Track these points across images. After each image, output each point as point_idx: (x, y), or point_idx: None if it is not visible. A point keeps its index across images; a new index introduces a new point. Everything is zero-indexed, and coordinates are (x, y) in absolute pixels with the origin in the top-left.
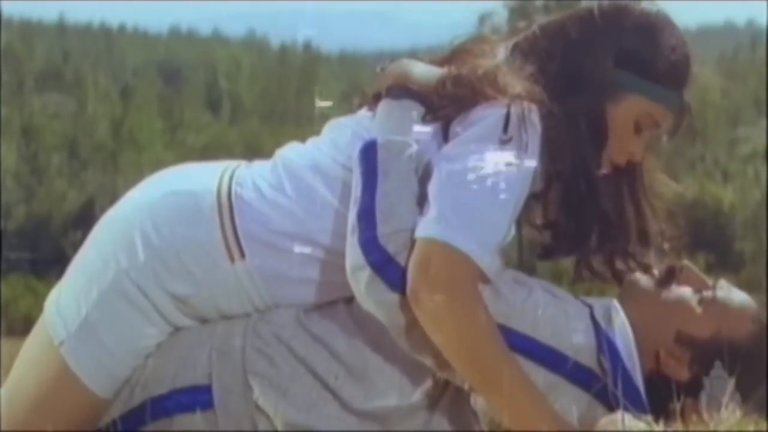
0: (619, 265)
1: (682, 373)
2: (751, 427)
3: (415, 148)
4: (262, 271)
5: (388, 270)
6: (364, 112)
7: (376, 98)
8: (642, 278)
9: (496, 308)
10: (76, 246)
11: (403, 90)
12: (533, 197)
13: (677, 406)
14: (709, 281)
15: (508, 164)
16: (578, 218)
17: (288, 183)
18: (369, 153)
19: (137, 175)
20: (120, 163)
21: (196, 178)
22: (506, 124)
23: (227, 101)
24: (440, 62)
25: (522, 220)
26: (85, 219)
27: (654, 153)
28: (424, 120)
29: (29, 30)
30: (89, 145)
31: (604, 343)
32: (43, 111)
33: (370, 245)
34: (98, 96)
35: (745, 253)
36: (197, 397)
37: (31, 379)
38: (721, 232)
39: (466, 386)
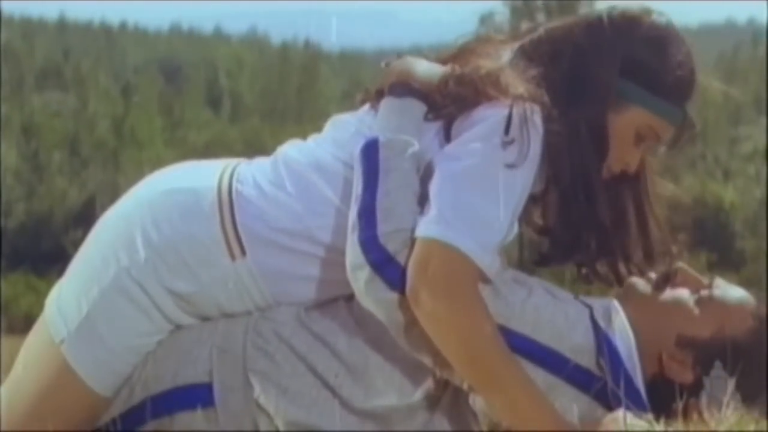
0: (622, 269)
1: (686, 376)
2: (751, 427)
3: (416, 146)
4: (262, 268)
5: (387, 269)
6: (366, 109)
7: (379, 95)
8: (639, 281)
9: (496, 309)
10: (77, 244)
11: (405, 88)
12: (533, 200)
13: (679, 405)
14: (705, 281)
15: (510, 165)
16: (575, 226)
17: (289, 180)
18: (370, 151)
19: (138, 172)
20: (121, 160)
21: (197, 176)
22: (508, 125)
23: (228, 99)
24: (444, 61)
25: (522, 220)
26: (85, 217)
27: (655, 153)
28: (426, 119)
29: (30, 28)
30: (90, 143)
31: (604, 344)
32: (43, 109)
33: (370, 244)
34: (99, 94)
35: (746, 252)
36: (198, 395)
37: (32, 377)
38: (722, 230)
39: (465, 386)
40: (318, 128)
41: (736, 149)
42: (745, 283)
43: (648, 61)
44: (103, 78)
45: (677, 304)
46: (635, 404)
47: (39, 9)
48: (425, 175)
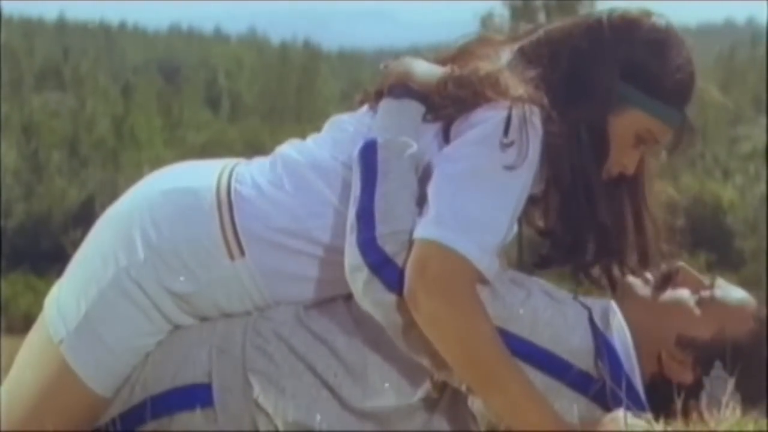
0: (616, 273)
1: (686, 376)
2: (751, 427)
3: (415, 148)
4: (261, 268)
5: (385, 271)
6: (365, 110)
7: (378, 96)
8: (638, 282)
9: (494, 311)
10: (76, 244)
11: (404, 89)
12: (533, 201)
13: (678, 405)
14: (706, 281)
15: (509, 166)
16: (575, 228)
17: (287, 180)
18: (369, 152)
19: (137, 172)
20: (120, 160)
21: (196, 176)
22: (507, 127)
23: (227, 99)
24: (443, 62)
25: (522, 221)
26: (85, 217)
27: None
28: (425, 120)
29: (29, 28)
30: (89, 142)
31: (603, 345)
32: (43, 109)
33: (369, 246)
34: (98, 94)
35: (745, 252)
36: (197, 395)
37: (31, 377)
38: (722, 230)
39: (463, 387)
40: (317, 128)
41: (735, 149)
42: (744, 284)
43: (648, 64)
44: (103, 78)
45: (678, 305)
46: (634, 404)
47: (38, 9)
48: (424, 176)
